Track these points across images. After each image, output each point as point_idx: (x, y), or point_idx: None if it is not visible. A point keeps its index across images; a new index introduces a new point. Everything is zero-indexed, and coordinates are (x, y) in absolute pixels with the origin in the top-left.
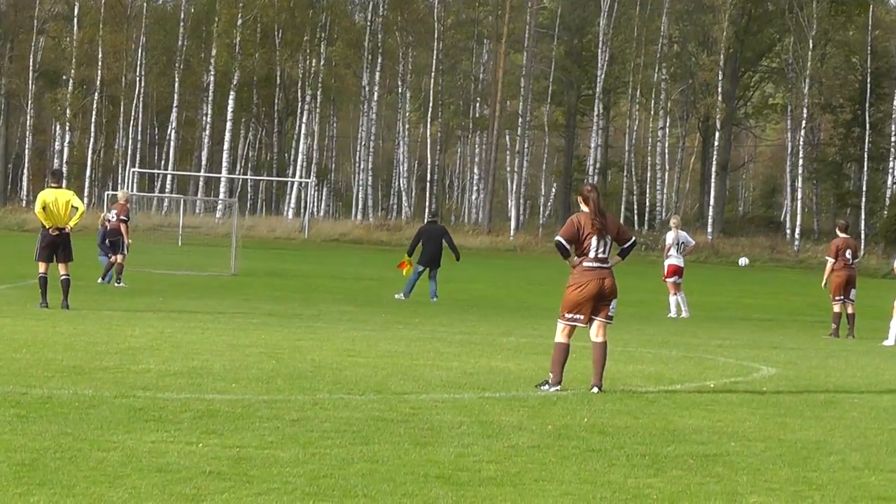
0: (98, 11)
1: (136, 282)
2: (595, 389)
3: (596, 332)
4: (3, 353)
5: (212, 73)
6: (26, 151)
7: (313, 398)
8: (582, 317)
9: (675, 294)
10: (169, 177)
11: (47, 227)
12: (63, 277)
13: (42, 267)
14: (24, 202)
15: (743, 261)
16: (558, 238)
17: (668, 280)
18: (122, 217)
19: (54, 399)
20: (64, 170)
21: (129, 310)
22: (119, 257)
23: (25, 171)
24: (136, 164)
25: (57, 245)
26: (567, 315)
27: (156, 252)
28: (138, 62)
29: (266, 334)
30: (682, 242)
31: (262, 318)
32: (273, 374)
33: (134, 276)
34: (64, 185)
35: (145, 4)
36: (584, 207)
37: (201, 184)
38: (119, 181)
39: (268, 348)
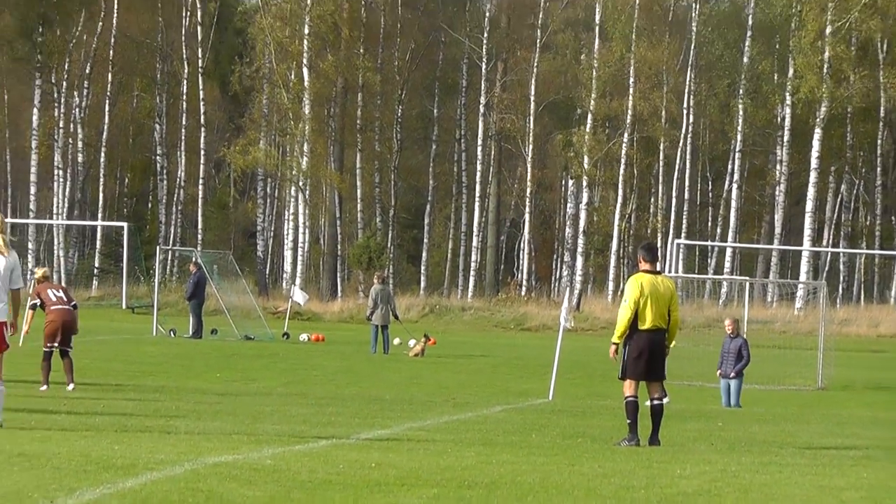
0: (629, 16)
1: (681, 398)
2: None
3: None
4: (503, 501)
5: (788, 102)
6: (525, 217)
7: None
8: None
9: None
10: (728, 251)
11: (641, 328)
12: (656, 402)
13: (629, 388)
14: (523, 289)
15: None
16: None
17: None
18: None
19: None
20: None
21: (673, 440)
22: None
23: (525, 244)
24: (682, 234)
25: (653, 355)
26: None
27: (704, 356)
28: (686, 88)
29: (870, 472)
30: None
31: (862, 450)
32: None
33: (677, 391)
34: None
35: (696, 6)
36: None
37: (773, 260)
38: (661, 258)
39: (872, 491)
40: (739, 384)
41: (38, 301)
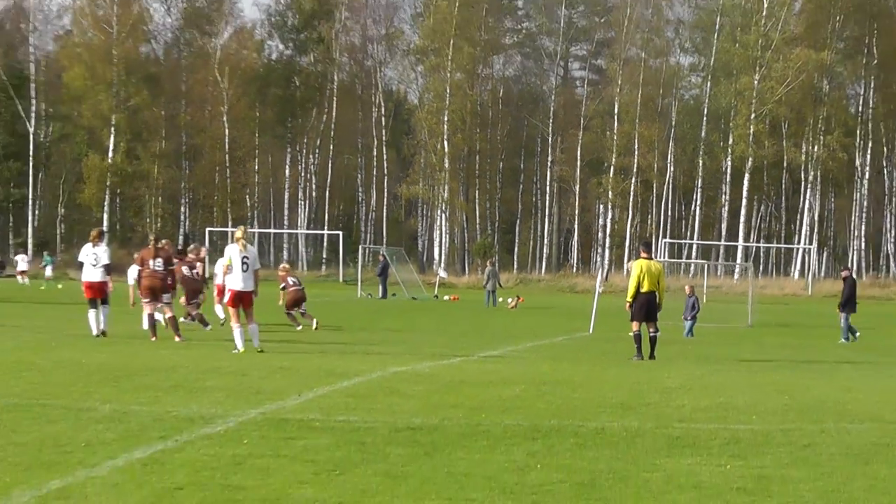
0: (635, 109)
1: (668, 332)
2: None
3: None
4: (564, 392)
5: (729, 159)
6: (575, 227)
7: (820, 427)
8: None
9: None
10: (694, 245)
11: (642, 291)
12: (652, 334)
13: (636, 326)
14: (574, 268)
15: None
16: None
17: None
18: None
19: (606, 430)
20: (653, 242)
21: (663, 357)
22: None
23: (575, 243)
24: (667, 236)
25: (650, 307)
26: None
27: (680, 308)
28: (669, 151)
29: (779, 375)
30: None
31: (776, 361)
32: (786, 408)
33: (666, 329)
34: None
35: (675, 102)
36: None
37: (721, 251)
38: (654, 250)
39: (781, 386)
40: (693, 323)
41: (284, 284)
